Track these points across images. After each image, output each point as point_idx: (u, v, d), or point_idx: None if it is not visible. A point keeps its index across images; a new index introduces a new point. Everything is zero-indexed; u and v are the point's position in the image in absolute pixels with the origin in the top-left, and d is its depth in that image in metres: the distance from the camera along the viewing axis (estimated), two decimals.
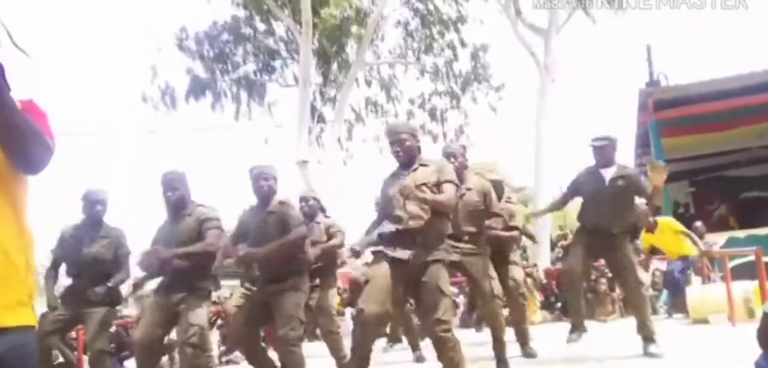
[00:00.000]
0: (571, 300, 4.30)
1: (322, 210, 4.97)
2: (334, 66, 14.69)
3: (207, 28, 14.61)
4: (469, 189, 3.88)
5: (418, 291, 2.96)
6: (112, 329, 6.73)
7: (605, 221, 4.02)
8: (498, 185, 4.81)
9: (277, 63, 15.19)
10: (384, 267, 2.96)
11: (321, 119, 14.88)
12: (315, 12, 12.79)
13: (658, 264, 7.99)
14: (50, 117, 1.27)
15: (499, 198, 4.56)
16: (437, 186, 3.01)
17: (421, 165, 3.09)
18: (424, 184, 2.99)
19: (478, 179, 4.03)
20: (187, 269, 3.58)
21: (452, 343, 2.90)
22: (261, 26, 14.74)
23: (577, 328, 4.24)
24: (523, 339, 4.57)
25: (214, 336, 8.11)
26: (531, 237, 5.98)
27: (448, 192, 2.99)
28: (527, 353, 4.52)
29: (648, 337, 4.02)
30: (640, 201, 4.57)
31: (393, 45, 15.14)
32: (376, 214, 3.38)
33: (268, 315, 3.65)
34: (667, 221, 6.94)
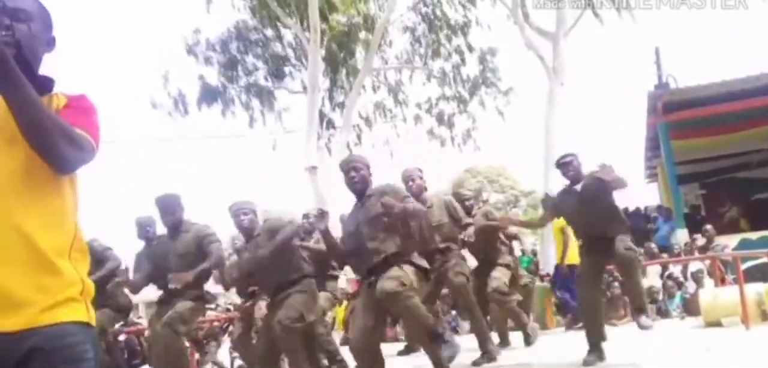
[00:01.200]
0: (586, 325, 4.26)
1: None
2: (342, 72, 14.77)
3: (217, 35, 14.78)
4: (429, 207, 4.13)
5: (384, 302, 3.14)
6: (123, 337, 6.84)
7: (598, 229, 4.06)
8: (461, 198, 5.04)
9: (286, 70, 15.30)
10: (359, 306, 3.31)
11: (330, 124, 14.95)
12: (323, 18, 12.87)
13: (672, 268, 7.94)
14: (98, 113, 1.26)
15: (469, 212, 4.81)
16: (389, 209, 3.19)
17: (369, 196, 3.31)
18: (377, 211, 3.21)
19: (436, 197, 4.34)
20: (182, 292, 3.86)
21: (406, 294, 3.02)
22: (269, 32, 14.85)
23: (594, 352, 4.16)
24: (503, 339, 4.87)
25: (226, 343, 8.20)
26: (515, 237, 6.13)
27: (414, 203, 3.27)
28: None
29: (640, 308, 4.08)
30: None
31: (400, 50, 15.22)
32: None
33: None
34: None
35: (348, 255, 3.53)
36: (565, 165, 4.19)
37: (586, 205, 4.07)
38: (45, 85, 1.23)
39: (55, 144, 1.10)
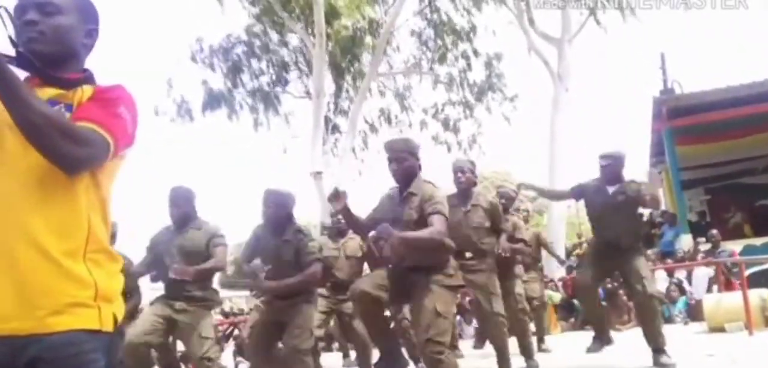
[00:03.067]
0: (587, 312, 4.30)
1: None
2: (348, 77, 14.81)
3: (221, 41, 14.83)
4: (474, 206, 3.90)
5: (415, 310, 2.85)
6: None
7: (613, 236, 4.04)
8: (507, 197, 4.92)
9: (291, 75, 15.38)
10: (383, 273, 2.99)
11: (335, 129, 14.99)
12: (328, 23, 12.93)
13: (677, 274, 7.96)
14: (127, 103, 1.20)
15: (506, 211, 4.57)
16: (422, 218, 2.81)
17: (411, 194, 2.90)
18: (414, 217, 2.84)
19: (485, 196, 4.03)
20: (187, 283, 3.68)
21: (445, 365, 2.71)
22: (274, 37, 14.93)
23: (599, 338, 4.19)
24: (526, 353, 4.48)
25: (229, 348, 8.24)
26: (553, 255, 6.01)
27: (436, 225, 2.75)
28: (530, 367, 4.46)
29: (658, 348, 3.96)
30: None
31: (407, 55, 15.25)
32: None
33: (280, 332, 3.66)
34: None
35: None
36: (604, 166, 4.11)
37: (613, 209, 4.03)
38: (70, 79, 1.20)
39: (53, 143, 1.04)
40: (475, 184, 4.05)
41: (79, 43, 1.25)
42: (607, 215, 4.07)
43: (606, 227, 4.09)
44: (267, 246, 3.70)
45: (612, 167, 4.10)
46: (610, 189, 4.09)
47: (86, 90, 1.20)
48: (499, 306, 3.92)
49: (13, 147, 1.09)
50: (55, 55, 1.20)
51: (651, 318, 3.98)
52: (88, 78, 1.24)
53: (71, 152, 1.07)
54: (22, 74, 1.14)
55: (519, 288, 4.59)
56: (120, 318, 1.19)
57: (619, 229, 4.01)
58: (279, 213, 3.71)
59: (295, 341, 3.50)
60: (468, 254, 3.80)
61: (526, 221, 5.68)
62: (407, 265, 2.87)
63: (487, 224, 3.92)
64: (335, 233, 4.95)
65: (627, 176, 4.18)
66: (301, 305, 3.60)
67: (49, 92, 1.18)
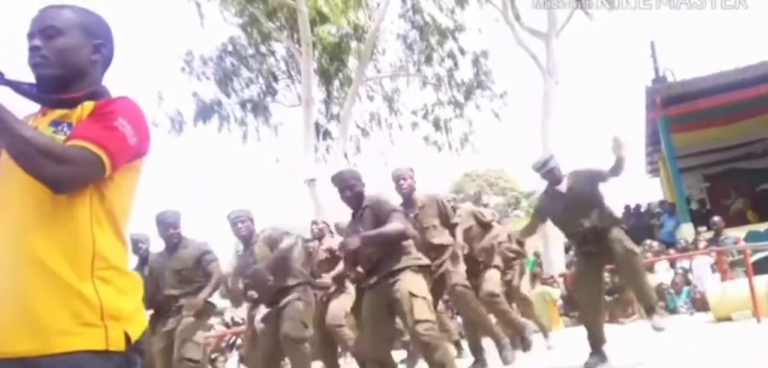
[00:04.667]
0: (587, 329, 4.12)
1: (331, 233, 5.17)
2: (336, 83, 14.73)
3: (210, 52, 14.77)
4: (421, 208, 4.11)
5: (396, 305, 3.07)
6: None
7: (589, 225, 3.95)
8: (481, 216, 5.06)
9: (280, 84, 15.29)
10: (367, 306, 3.24)
11: (327, 135, 14.89)
12: (313, 31, 12.85)
13: (682, 263, 7.78)
14: (127, 115, 1.17)
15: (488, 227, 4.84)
16: (377, 224, 3.19)
17: (365, 208, 3.30)
18: (369, 225, 3.21)
19: (427, 197, 4.25)
20: (178, 298, 4.00)
21: (437, 342, 2.96)
22: (262, 48, 14.85)
23: (596, 355, 4.04)
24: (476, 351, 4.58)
25: (234, 358, 8.26)
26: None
27: (394, 219, 3.15)
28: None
29: (651, 306, 3.93)
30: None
31: (393, 58, 15.18)
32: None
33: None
34: None
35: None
36: (547, 173, 4.13)
37: (574, 203, 3.99)
38: (72, 99, 1.21)
39: (36, 165, 1.06)
40: (414, 190, 4.28)
41: (85, 61, 1.26)
42: (572, 211, 4.00)
43: (576, 220, 4.00)
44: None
45: (552, 169, 4.11)
46: (562, 188, 4.09)
47: (87, 106, 1.20)
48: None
49: (18, 170, 1.09)
50: (61, 77, 1.22)
51: (636, 274, 3.98)
52: (93, 94, 1.23)
53: (55, 172, 1.07)
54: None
55: (490, 286, 4.60)
56: (136, 334, 1.16)
57: (590, 214, 3.94)
58: (247, 227, 4.05)
59: (287, 329, 3.60)
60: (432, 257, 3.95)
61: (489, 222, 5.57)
62: (381, 274, 3.15)
63: (437, 220, 4.13)
64: (316, 239, 5.14)
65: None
66: (294, 302, 3.72)
67: (56, 113, 1.21)
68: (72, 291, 1.09)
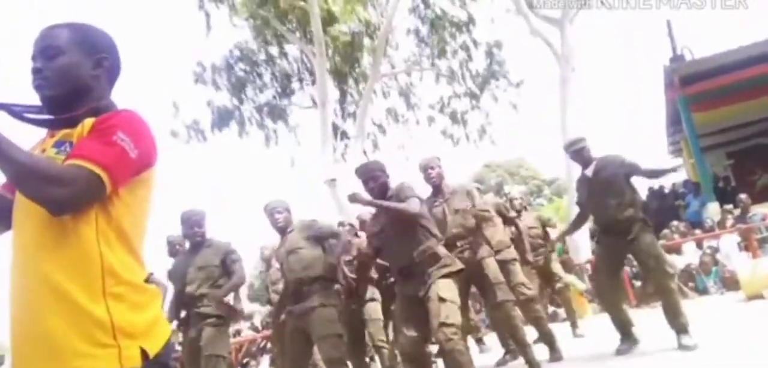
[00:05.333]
0: (611, 316, 4.10)
1: (356, 235, 5.13)
2: (351, 81, 14.79)
3: (221, 59, 14.84)
4: (452, 192, 4.09)
5: (427, 307, 3.11)
6: None
7: (610, 214, 3.92)
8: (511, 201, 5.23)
9: (294, 85, 15.39)
10: (400, 316, 3.31)
11: (344, 135, 14.97)
12: (325, 31, 12.92)
13: (710, 243, 7.70)
14: (129, 130, 1.16)
15: (519, 213, 4.92)
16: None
17: (390, 197, 3.32)
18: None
19: (457, 184, 4.23)
20: (198, 298, 3.99)
21: (460, 347, 2.99)
22: (274, 51, 14.97)
23: (626, 338, 4.04)
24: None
25: (265, 362, 8.37)
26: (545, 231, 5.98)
27: (410, 202, 3.18)
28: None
29: (681, 329, 3.78)
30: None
31: (407, 53, 15.19)
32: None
33: (308, 342, 3.75)
34: None
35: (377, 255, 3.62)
36: (576, 152, 4.12)
37: (597, 189, 3.97)
38: (74, 117, 1.20)
39: (34, 188, 1.06)
40: (443, 178, 4.22)
41: (86, 78, 1.25)
42: (596, 197, 3.98)
43: (600, 208, 3.99)
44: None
45: (582, 151, 4.09)
46: (589, 172, 4.05)
47: (87, 124, 1.18)
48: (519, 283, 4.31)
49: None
50: (63, 96, 1.22)
51: (668, 297, 3.82)
52: (95, 110, 1.22)
53: (52, 195, 1.07)
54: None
55: (519, 278, 4.55)
56: (154, 349, 1.15)
57: (612, 205, 3.89)
58: (286, 217, 4.02)
59: (327, 354, 3.61)
60: (459, 243, 3.99)
61: (519, 209, 5.67)
62: (404, 266, 3.22)
63: (469, 204, 4.08)
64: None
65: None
66: (319, 311, 3.62)
67: (61, 133, 1.21)
68: (83, 312, 1.08)
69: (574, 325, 5.85)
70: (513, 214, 5.12)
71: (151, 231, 1.29)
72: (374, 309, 4.63)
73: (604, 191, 3.93)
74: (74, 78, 1.23)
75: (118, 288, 1.12)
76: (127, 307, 1.13)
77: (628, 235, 3.87)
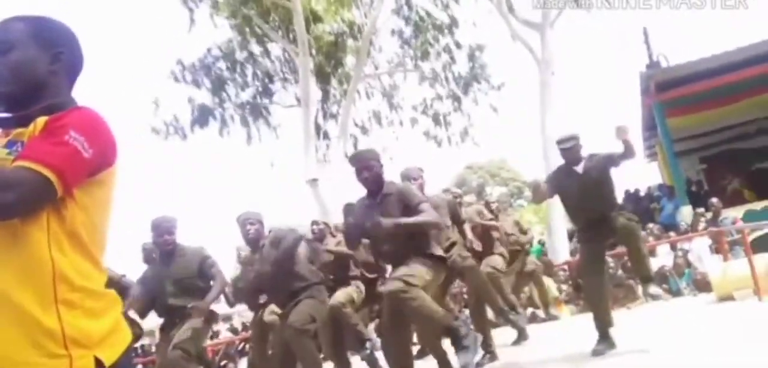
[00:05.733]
0: (595, 314, 4.16)
1: (331, 233, 5.16)
2: (334, 82, 14.78)
3: (201, 56, 14.71)
4: (434, 208, 4.08)
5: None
6: None
7: (597, 212, 4.02)
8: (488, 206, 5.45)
9: (276, 85, 15.31)
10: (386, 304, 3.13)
11: (326, 135, 14.96)
12: (309, 30, 12.89)
13: (683, 245, 7.92)
14: (81, 128, 1.09)
15: (496, 217, 5.19)
16: (404, 213, 3.11)
17: (386, 195, 3.17)
18: (395, 214, 3.11)
19: (439, 197, 4.31)
20: (182, 309, 3.84)
21: (409, 295, 2.87)
22: (256, 49, 14.86)
23: (603, 341, 4.10)
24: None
25: (243, 364, 8.30)
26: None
27: (426, 209, 3.09)
28: None
29: (646, 276, 4.05)
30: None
31: (390, 55, 15.24)
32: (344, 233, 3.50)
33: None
34: None
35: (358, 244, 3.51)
36: (568, 150, 4.14)
37: (588, 187, 4.03)
38: (27, 116, 1.13)
39: None
40: (423, 189, 4.30)
41: (42, 73, 1.18)
42: (584, 194, 4.05)
43: (586, 206, 4.07)
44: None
45: (574, 148, 4.13)
46: (579, 169, 4.10)
47: (39, 123, 1.10)
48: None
49: None
50: (18, 93, 1.15)
51: (636, 239, 4.00)
52: (50, 108, 1.14)
53: None
54: None
55: (492, 262, 4.94)
56: (111, 358, 1.09)
57: (599, 203, 4.02)
58: (257, 229, 3.96)
59: (292, 319, 3.53)
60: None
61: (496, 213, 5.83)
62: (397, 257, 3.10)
63: (449, 221, 4.24)
64: (316, 240, 5.04)
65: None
66: (305, 299, 3.67)
67: (14, 133, 1.12)
68: (33, 321, 1.02)
69: (546, 307, 6.07)
70: (489, 217, 5.27)
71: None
72: (343, 293, 4.58)
73: (595, 188, 4.02)
74: (29, 74, 1.16)
75: (70, 294, 1.06)
76: (80, 315, 1.07)
77: (611, 224, 3.99)
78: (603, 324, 4.09)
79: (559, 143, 4.20)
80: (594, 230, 4.08)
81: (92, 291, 1.11)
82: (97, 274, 1.14)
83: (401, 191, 3.19)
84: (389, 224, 2.99)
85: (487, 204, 5.83)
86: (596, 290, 4.15)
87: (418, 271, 2.99)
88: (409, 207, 3.11)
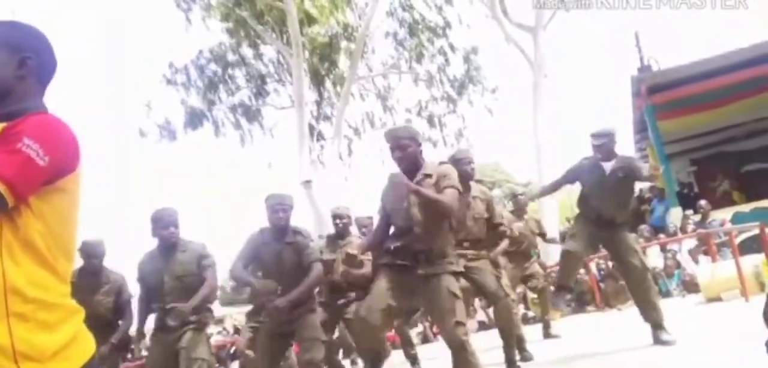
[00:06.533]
0: (562, 274, 4.19)
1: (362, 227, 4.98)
2: (328, 83, 14.80)
3: (194, 58, 14.69)
4: (474, 197, 3.95)
5: (431, 299, 2.87)
6: None
7: (608, 212, 4.05)
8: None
9: (270, 86, 15.32)
10: (384, 282, 2.92)
11: (320, 136, 14.98)
12: (303, 32, 12.91)
13: (672, 247, 8.02)
14: (35, 136, 1.06)
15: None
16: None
17: (426, 175, 2.94)
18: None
19: (481, 189, 4.11)
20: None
21: (472, 348, 2.80)
22: (249, 52, 14.86)
23: (563, 288, 4.20)
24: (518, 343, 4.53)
25: (235, 366, 8.24)
26: (541, 236, 6.12)
27: (449, 195, 2.85)
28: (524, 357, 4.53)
29: (658, 324, 3.94)
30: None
31: (385, 57, 15.29)
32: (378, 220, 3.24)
33: (286, 343, 3.76)
34: None
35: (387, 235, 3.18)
36: (600, 145, 4.11)
37: (611, 185, 4.04)
38: None
39: None
40: (473, 178, 4.10)
41: (9, 79, 1.15)
42: (604, 191, 4.06)
43: (602, 203, 4.08)
44: (269, 252, 3.66)
45: (607, 145, 4.10)
46: (607, 166, 4.09)
47: None
48: (504, 285, 4.05)
49: None
50: None
51: (647, 293, 3.98)
52: (11, 114, 1.11)
53: None
54: None
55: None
56: None
57: (614, 205, 4.03)
58: (288, 217, 3.68)
59: (309, 355, 3.51)
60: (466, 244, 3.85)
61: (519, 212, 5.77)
62: (413, 249, 2.90)
63: (486, 215, 3.98)
64: (335, 237, 4.73)
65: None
66: (307, 316, 3.60)
67: None
68: None
69: (547, 325, 6.01)
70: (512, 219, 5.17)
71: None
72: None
73: (617, 189, 4.03)
74: None
75: (22, 307, 1.02)
76: (33, 328, 1.03)
77: (614, 230, 4.03)
78: (563, 279, 4.20)
79: (593, 136, 4.16)
80: (599, 226, 4.10)
81: (47, 302, 1.06)
82: (55, 284, 1.09)
83: (440, 172, 2.92)
84: (412, 187, 2.76)
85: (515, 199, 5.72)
86: (574, 265, 4.21)
87: (460, 303, 2.82)
88: (438, 190, 2.86)
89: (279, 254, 3.64)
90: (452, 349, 2.82)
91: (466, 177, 3.85)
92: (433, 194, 2.82)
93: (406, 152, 2.96)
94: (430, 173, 2.94)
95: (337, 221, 4.65)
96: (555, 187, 4.67)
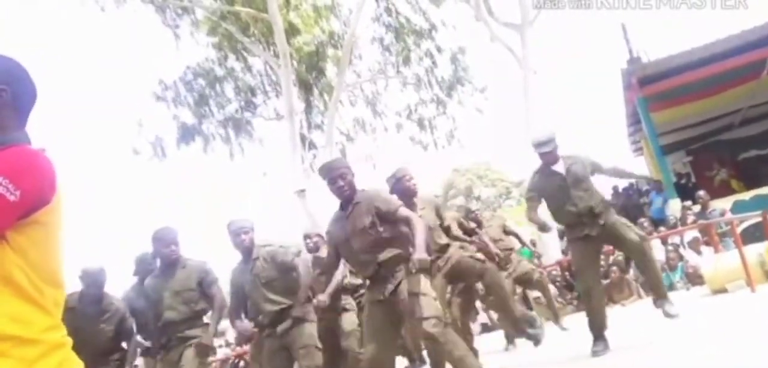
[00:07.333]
0: (593, 316, 4.08)
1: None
2: (316, 92, 14.73)
3: (183, 74, 14.61)
4: (422, 210, 3.96)
5: (402, 311, 2.87)
6: None
7: (585, 205, 4.00)
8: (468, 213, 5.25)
9: (259, 98, 15.22)
10: (376, 317, 2.96)
11: (312, 145, 14.87)
12: (289, 42, 12.84)
13: (674, 239, 7.91)
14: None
15: (480, 225, 5.00)
16: (382, 218, 2.91)
17: (356, 204, 2.98)
18: (366, 223, 2.92)
19: (426, 200, 4.14)
20: (179, 324, 3.72)
21: (446, 338, 2.75)
22: (237, 65, 14.78)
23: (600, 341, 4.04)
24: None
25: None
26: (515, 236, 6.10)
27: (410, 216, 2.88)
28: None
29: (663, 296, 4.00)
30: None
31: (372, 62, 15.22)
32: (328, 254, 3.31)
33: (289, 358, 3.73)
34: None
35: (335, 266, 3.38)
36: (548, 153, 4.12)
37: (571, 182, 4.04)
38: None
39: None
40: (415, 194, 4.15)
41: None
42: (570, 191, 4.03)
43: (574, 201, 4.02)
44: (246, 277, 3.78)
45: (554, 150, 4.12)
46: (560, 168, 4.10)
47: None
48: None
49: None
50: None
51: (651, 260, 4.02)
52: None
53: None
54: None
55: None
56: None
57: (587, 196, 4.01)
58: (251, 238, 3.82)
59: (305, 362, 3.58)
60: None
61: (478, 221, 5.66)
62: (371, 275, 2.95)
63: (439, 222, 4.07)
64: (308, 251, 4.91)
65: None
66: (302, 325, 3.67)
67: None
68: None
69: (556, 318, 5.95)
70: (472, 225, 5.12)
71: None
72: (349, 321, 4.50)
73: (576, 185, 4.03)
74: None
75: (2, 345, 1.03)
76: (13, 364, 1.03)
77: (600, 219, 3.96)
78: (598, 326, 4.06)
79: (537, 146, 4.14)
80: (585, 228, 4.03)
81: (24, 339, 1.06)
82: (39, 317, 1.09)
83: (370, 197, 2.95)
84: (425, 261, 2.70)
85: (468, 214, 5.57)
86: (592, 289, 4.11)
87: (428, 300, 2.81)
88: (386, 217, 2.89)
89: (253, 273, 3.71)
90: (426, 345, 2.88)
91: (409, 194, 3.92)
92: (420, 238, 2.76)
93: (347, 181, 3.00)
94: (358, 201, 2.97)
95: (308, 240, 4.88)
96: (533, 208, 4.51)
